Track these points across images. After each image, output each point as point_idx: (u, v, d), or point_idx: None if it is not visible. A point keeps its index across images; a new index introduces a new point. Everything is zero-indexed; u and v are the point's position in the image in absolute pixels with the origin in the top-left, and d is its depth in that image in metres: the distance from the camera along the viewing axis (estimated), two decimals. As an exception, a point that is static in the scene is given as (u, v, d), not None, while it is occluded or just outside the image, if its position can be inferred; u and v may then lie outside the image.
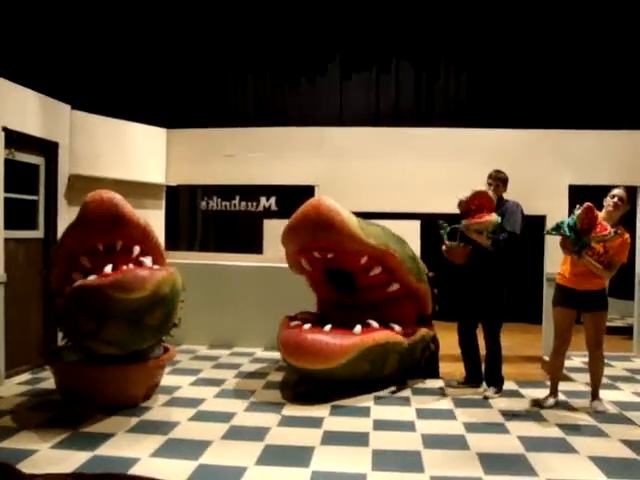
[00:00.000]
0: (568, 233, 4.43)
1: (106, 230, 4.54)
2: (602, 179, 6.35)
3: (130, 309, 4.22)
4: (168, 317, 4.60)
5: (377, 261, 5.20)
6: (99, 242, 4.64)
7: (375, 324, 5.19)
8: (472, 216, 4.93)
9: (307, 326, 5.15)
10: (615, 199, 4.61)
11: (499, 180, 5.23)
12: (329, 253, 5.10)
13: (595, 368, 4.77)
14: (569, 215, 4.57)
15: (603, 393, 4.90)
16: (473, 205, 4.93)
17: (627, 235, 4.60)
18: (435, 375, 5.71)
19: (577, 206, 4.57)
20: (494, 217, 4.88)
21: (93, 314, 4.24)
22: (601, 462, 3.65)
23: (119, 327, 4.28)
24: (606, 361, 5.20)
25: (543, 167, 6.80)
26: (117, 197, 4.54)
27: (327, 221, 4.87)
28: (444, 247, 5.10)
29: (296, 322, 5.34)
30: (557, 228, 4.53)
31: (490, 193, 4.97)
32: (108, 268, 4.42)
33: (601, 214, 4.58)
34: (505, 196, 5.28)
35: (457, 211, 5.07)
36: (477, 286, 5.17)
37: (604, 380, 4.98)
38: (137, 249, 4.72)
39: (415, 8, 8.91)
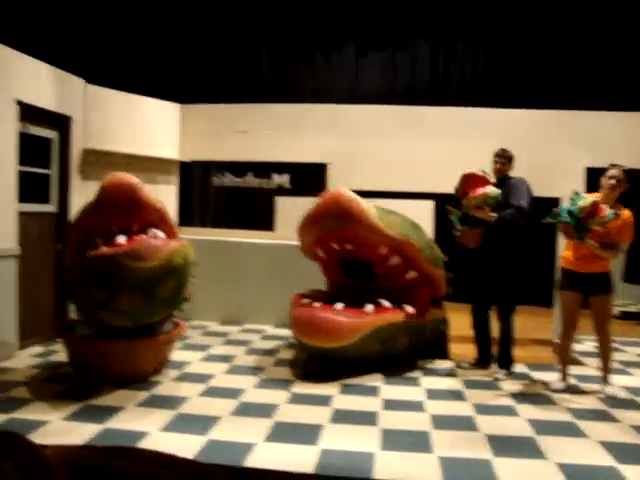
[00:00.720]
0: (568, 219, 4.38)
1: (123, 214, 4.54)
2: (620, 162, 6.21)
3: (143, 278, 4.23)
4: (180, 289, 4.61)
5: (396, 251, 5.16)
6: (115, 225, 4.62)
7: (387, 303, 5.18)
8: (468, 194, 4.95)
9: (318, 304, 5.14)
10: (613, 181, 4.54)
11: (505, 158, 5.22)
12: (348, 244, 5.08)
13: (604, 351, 4.73)
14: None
15: (615, 378, 4.86)
16: (467, 188, 4.94)
17: (628, 214, 4.55)
18: (444, 355, 5.70)
19: (574, 192, 4.53)
20: (490, 189, 4.87)
21: (106, 283, 4.27)
22: (611, 447, 3.63)
23: (131, 297, 4.30)
24: (619, 346, 5.16)
25: (560, 148, 6.71)
26: (134, 181, 4.52)
27: (347, 212, 4.82)
28: (456, 231, 5.07)
29: (307, 300, 5.33)
30: (556, 215, 4.49)
31: (478, 172, 4.95)
32: (121, 239, 4.44)
33: (599, 195, 4.55)
34: (515, 175, 5.23)
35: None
36: (490, 268, 5.13)
37: (616, 365, 4.95)
38: (152, 231, 4.71)
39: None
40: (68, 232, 4.95)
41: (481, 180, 4.93)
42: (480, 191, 4.88)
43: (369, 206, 4.95)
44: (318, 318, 4.87)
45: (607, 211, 4.38)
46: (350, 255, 5.26)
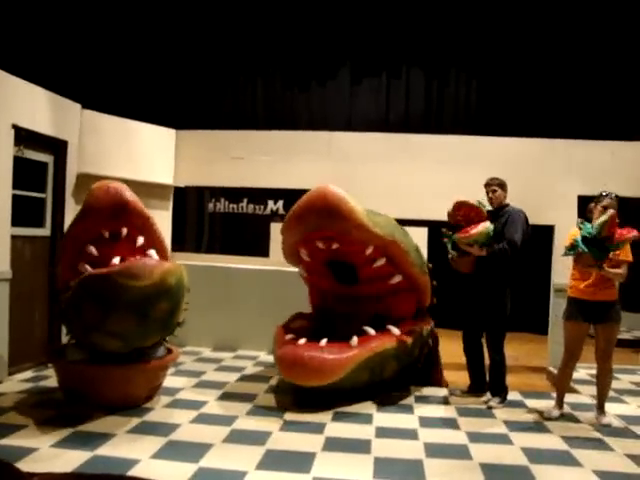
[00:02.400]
0: (586, 249, 4.39)
1: (111, 216, 4.63)
2: (612, 190, 6.30)
3: (136, 297, 4.21)
4: (173, 311, 4.58)
5: (382, 252, 5.03)
6: (105, 229, 4.70)
7: (372, 331, 5.06)
8: (461, 229, 4.97)
9: (302, 341, 4.94)
10: (609, 212, 4.58)
11: (494, 185, 5.20)
12: (334, 243, 4.93)
13: (603, 381, 4.71)
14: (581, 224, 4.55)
15: (609, 406, 4.84)
16: (459, 216, 4.96)
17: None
18: (435, 377, 5.64)
19: (580, 220, 4.57)
20: (482, 228, 4.89)
21: (99, 303, 4.25)
22: (605, 476, 3.61)
23: (125, 317, 4.28)
24: (613, 374, 5.14)
25: (552, 177, 6.76)
26: (122, 186, 4.67)
27: (335, 209, 4.65)
28: (450, 255, 5.10)
29: (291, 336, 5.14)
30: (574, 247, 4.49)
31: (472, 202, 4.96)
32: (116, 260, 4.49)
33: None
34: (510, 202, 5.25)
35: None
36: (480, 295, 5.14)
37: (610, 393, 4.93)
38: (141, 239, 4.78)
39: (427, 15, 8.91)
40: (62, 243, 5.00)
41: (473, 210, 4.93)
42: (473, 231, 4.88)
43: (356, 203, 4.78)
44: (303, 358, 4.68)
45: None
46: (335, 256, 5.11)
